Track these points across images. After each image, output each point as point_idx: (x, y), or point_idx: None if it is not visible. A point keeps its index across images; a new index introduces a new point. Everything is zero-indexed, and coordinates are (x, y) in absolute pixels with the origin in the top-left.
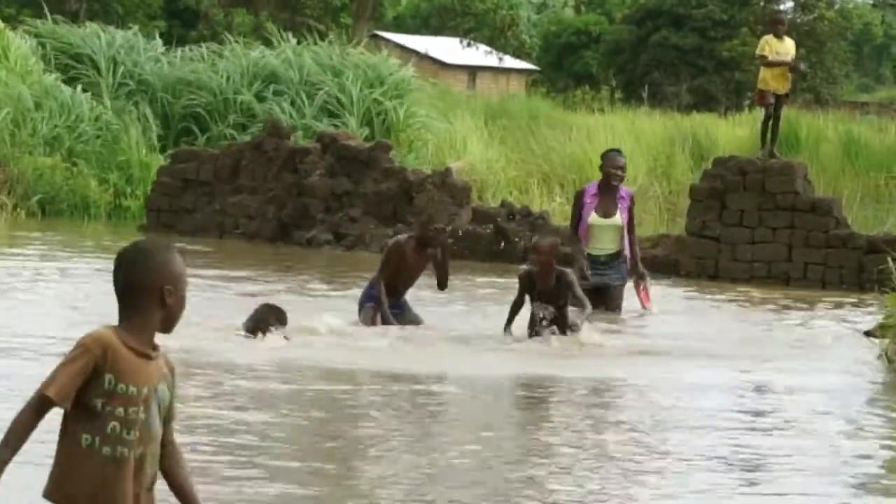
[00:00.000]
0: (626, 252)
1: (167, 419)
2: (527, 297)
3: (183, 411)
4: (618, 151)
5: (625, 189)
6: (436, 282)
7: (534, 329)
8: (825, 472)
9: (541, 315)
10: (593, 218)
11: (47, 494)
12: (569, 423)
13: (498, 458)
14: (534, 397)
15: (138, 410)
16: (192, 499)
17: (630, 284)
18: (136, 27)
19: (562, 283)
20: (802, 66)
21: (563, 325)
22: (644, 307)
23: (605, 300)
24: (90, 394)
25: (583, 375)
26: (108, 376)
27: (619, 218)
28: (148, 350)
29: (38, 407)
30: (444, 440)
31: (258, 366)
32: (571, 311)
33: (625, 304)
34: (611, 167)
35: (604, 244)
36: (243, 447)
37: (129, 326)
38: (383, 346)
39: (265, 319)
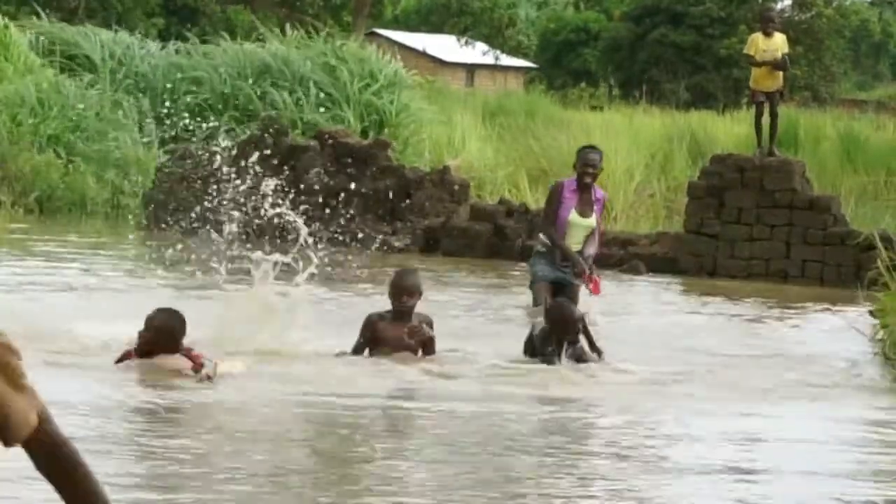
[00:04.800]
0: (589, 251)
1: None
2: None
3: None
4: (593, 148)
5: (601, 191)
6: None
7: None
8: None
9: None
10: (573, 216)
11: None
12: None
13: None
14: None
15: None
16: None
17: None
18: (136, 29)
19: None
20: (783, 60)
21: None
22: (592, 294)
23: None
24: None
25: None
26: None
27: (593, 220)
28: None
29: None
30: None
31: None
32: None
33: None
34: (582, 165)
35: (572, 242)
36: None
37: None
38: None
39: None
